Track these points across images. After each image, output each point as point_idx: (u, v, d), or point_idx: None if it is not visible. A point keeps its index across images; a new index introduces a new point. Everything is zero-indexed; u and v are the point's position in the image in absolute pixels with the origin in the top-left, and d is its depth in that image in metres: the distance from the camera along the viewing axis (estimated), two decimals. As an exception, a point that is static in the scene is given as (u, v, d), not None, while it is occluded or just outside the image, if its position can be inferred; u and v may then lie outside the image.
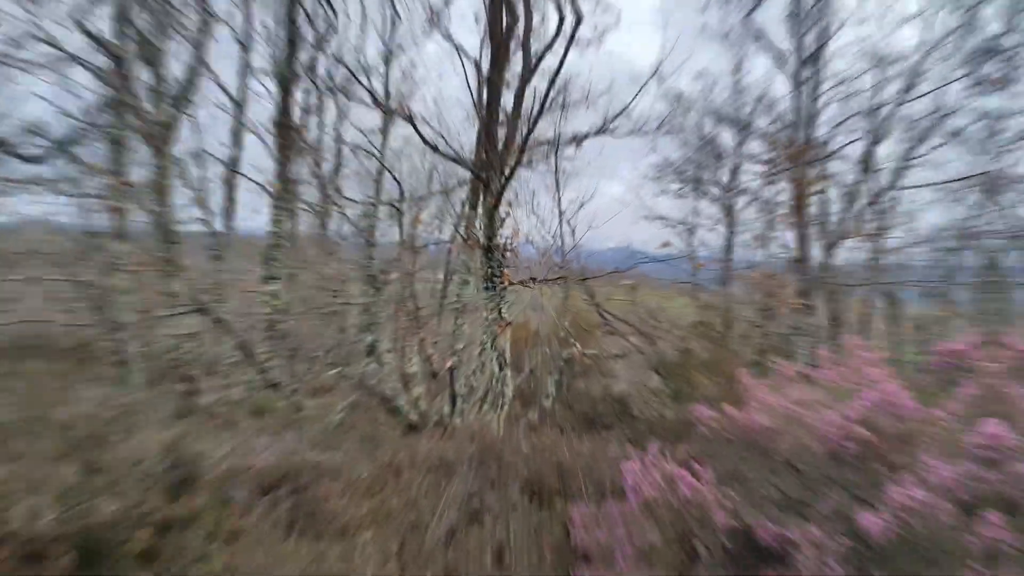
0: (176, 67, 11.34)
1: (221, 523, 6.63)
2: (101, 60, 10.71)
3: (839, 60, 28.33)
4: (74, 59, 10.14)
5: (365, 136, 12.34)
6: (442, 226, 17.51)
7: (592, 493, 7.22)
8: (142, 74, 11.02)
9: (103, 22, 10.61)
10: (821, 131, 14.76)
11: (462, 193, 14.32)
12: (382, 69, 14.34)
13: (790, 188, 14.11)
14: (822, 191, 14.80)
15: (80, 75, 12.48)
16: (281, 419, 10.78)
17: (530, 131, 10.99)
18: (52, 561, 5.67)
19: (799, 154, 13.89)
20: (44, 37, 9.95)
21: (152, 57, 10.76)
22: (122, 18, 10.81)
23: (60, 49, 10.18)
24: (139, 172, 11.05)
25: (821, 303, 14.42)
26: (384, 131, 14.69)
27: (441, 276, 14.06)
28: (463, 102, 19.32)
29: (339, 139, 14.92)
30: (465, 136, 18.26)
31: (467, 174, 12.80)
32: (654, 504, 5.43)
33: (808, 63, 14.63)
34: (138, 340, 11.44)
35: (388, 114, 10.70)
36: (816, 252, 14.43)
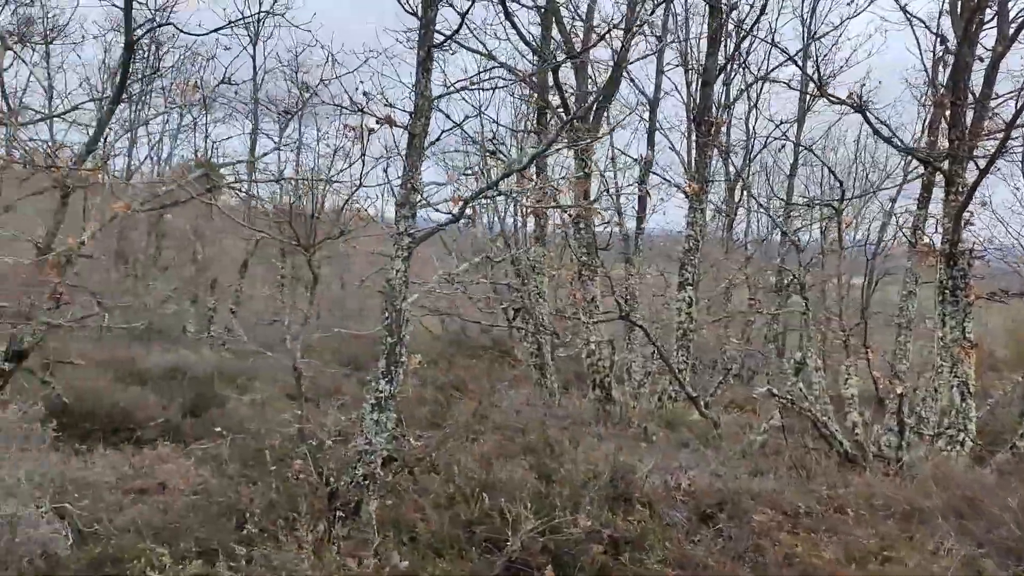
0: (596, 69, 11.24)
1: (668, 547, 6.13)
2: (528, 67, 10.97)
3: None
4: (504, 68, 10.33)
5: (778, 127, 11.13)
6: (862, 225, 15.72)
7: None
8: (567, 78, 11.06)
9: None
10: None
11: (892, 189, 12.53)
12: (799, 49, 12.93)
13: None
14: None
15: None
16: (697, 434, 10.34)
17: (1019, 112, 8.94)
18: (537, 572, 5.59)
19: None
20: (479, 49, 10.25)
21: (576, 61, 10.71)
22: (546, 22, 10.94)
23: (495, 60, 10.45)
24: (559, 175, 11.11)
25: None
26: (799, 121, 13.34)
27: (861, 283, 12.38)
28: (902, 80, 16.89)
29: (751, 133, 13.90)
30: (896, 121, 16.15)
31: (903, 165, 11.09)
32: None
33: None
34: (552, 343, 11.60)
35: (823, 97, 9.41)
36: None
